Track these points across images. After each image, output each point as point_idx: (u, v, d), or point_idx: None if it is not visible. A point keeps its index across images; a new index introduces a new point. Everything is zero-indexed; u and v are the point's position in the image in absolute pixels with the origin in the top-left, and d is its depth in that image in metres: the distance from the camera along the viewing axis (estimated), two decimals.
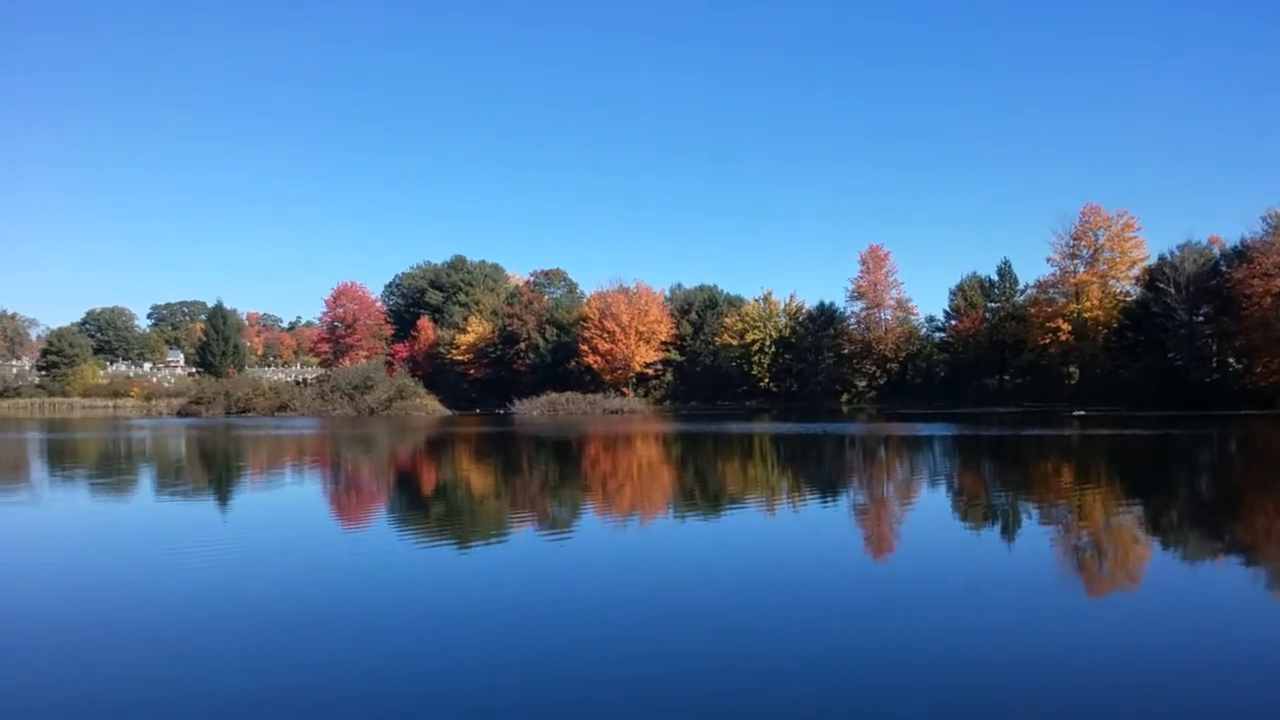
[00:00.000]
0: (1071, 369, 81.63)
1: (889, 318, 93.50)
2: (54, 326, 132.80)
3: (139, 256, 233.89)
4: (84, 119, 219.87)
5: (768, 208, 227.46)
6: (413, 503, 20.07)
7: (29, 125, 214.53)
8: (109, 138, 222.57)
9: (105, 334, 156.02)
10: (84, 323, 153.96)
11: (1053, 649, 7.93)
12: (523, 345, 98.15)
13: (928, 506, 17.99)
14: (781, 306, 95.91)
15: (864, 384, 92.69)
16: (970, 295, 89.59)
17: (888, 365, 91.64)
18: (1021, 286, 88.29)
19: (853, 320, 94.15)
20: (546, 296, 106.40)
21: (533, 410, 75.13)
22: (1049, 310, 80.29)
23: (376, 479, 25.57)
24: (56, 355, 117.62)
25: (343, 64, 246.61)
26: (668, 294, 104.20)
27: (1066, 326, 78.07)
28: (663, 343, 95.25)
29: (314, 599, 10.15)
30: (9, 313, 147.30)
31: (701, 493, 21.03)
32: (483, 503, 19.72)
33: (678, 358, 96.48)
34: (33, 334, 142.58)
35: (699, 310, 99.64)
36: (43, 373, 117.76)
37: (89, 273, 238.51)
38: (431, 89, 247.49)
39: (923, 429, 43.02)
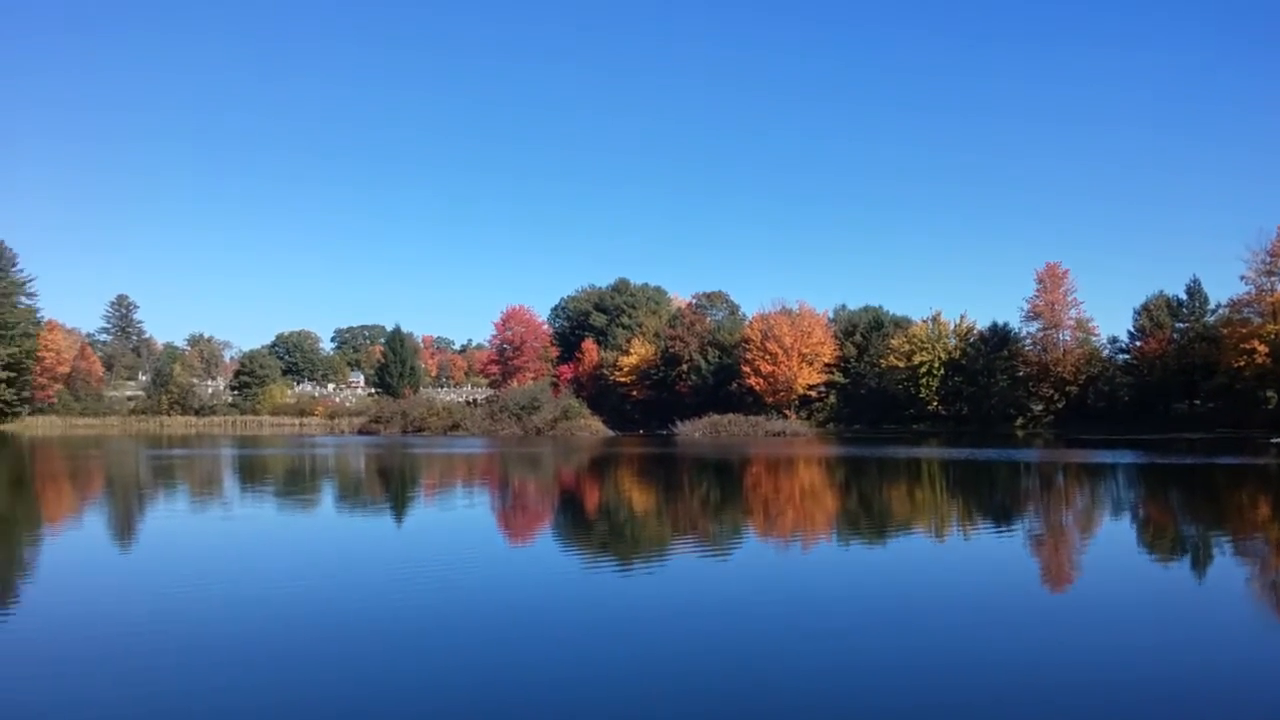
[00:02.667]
0: (1269, 393, 75.92)
1: (1068, 338, 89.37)
2: (246, 349, 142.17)
3: (324, 284, 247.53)
4: (271, 163, 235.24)
5: (935, 227, 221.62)
6: (576, 522, 20.39)
7: (221, 169, 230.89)
8: (298, 176, 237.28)
9: (293, 356, 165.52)
10: (273, 345, 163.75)
11: (1247, 689, 7.36)
12: (685, 367, 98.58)
13: (1109, 538, 17.04)
14: (951, 327, 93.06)
15: (1040, 408, 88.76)
16: (1156, 315, 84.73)
17: (1066, 388, 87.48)
18: (1213, 306, 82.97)
19: (1028, 341, 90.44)
20: (708, 318, 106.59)
21: (695, 432, 75.26)
22: (1243, 331, 75.02)
23: (543, 498, 26.11)
24: (248, 376, 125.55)
25: (510, 91, 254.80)
26: (831, 315, 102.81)
27: (1263, 348, 72.72)
28: (826, 364, 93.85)
29: (481, 612, 10.42)
30: (206, 336, 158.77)
31: (865, 518, 20.57)
32: (645, 523, 19.85)
33: (841, 380, 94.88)
34: (227, 356, 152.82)
35: (864, 331, 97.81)
36: (236, 392, 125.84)
37: (278, 299, 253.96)
38: (598, 115, 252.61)
39: (1105, 456, 40.81)
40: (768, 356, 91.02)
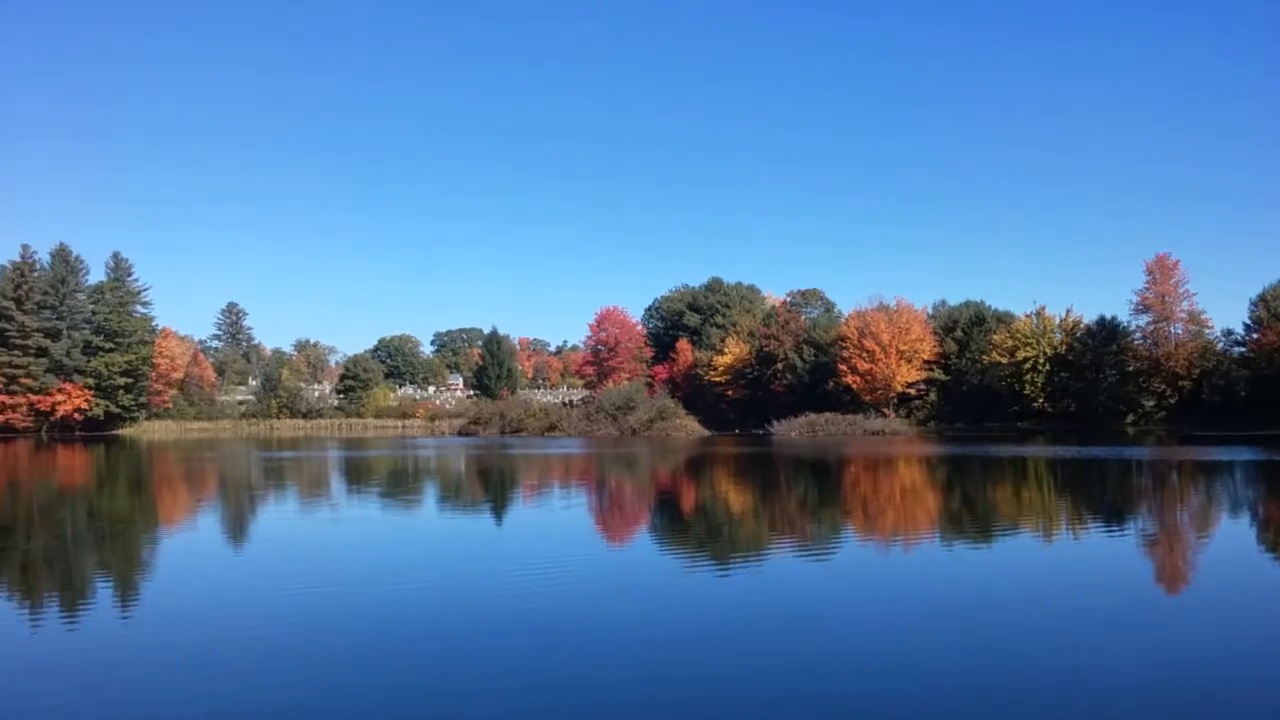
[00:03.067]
0: None
1: (1179, 331, 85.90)
2: (350, 354, 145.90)
3: (424, 289, 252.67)
4: (372, 172, 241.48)
5: (1037, 220, 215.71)
6: (674, 522, 20.37)
7: (325, 180, 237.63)
8: (397, 185, 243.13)
9: (394, 360, 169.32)
10: (376, 350, 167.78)
11: None
12: (780, 366, 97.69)
13: (1227, 538, 16.30)
14: (1056, 321, 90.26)
15: (1152, 404, 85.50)
16: (1274, 305, 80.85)
17: (1179, 383, 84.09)
18: None
19: (1138, 335, 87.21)
20: (803, 316, 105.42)
21: (791, 431, 74.57)
22: None
23: (640, 499, 26.15)
24: (353, 380, 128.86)
25: (605, 94, 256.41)
26: (930, 311, 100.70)
27: None
28: (925, 361, 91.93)
29: (577, 613, 10.46)
30: (312, 342, 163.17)
31: (970, 518, 20.07)
32: (742, 523, 19.72)
33: (942, 377, 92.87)
34: (332, 360, 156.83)
35: (964, 327, 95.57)
36: (341, 395, 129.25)
37: (380, 304, 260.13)
38: (692, 116, 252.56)
39: (1221, 453, 39.10)
40: (865, 354, 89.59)
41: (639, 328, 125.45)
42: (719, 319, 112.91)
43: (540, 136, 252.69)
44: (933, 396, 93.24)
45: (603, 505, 24.42)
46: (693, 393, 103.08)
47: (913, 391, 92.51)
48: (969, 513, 21.22)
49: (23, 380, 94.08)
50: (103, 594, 12.31)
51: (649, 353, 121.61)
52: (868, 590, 11.82)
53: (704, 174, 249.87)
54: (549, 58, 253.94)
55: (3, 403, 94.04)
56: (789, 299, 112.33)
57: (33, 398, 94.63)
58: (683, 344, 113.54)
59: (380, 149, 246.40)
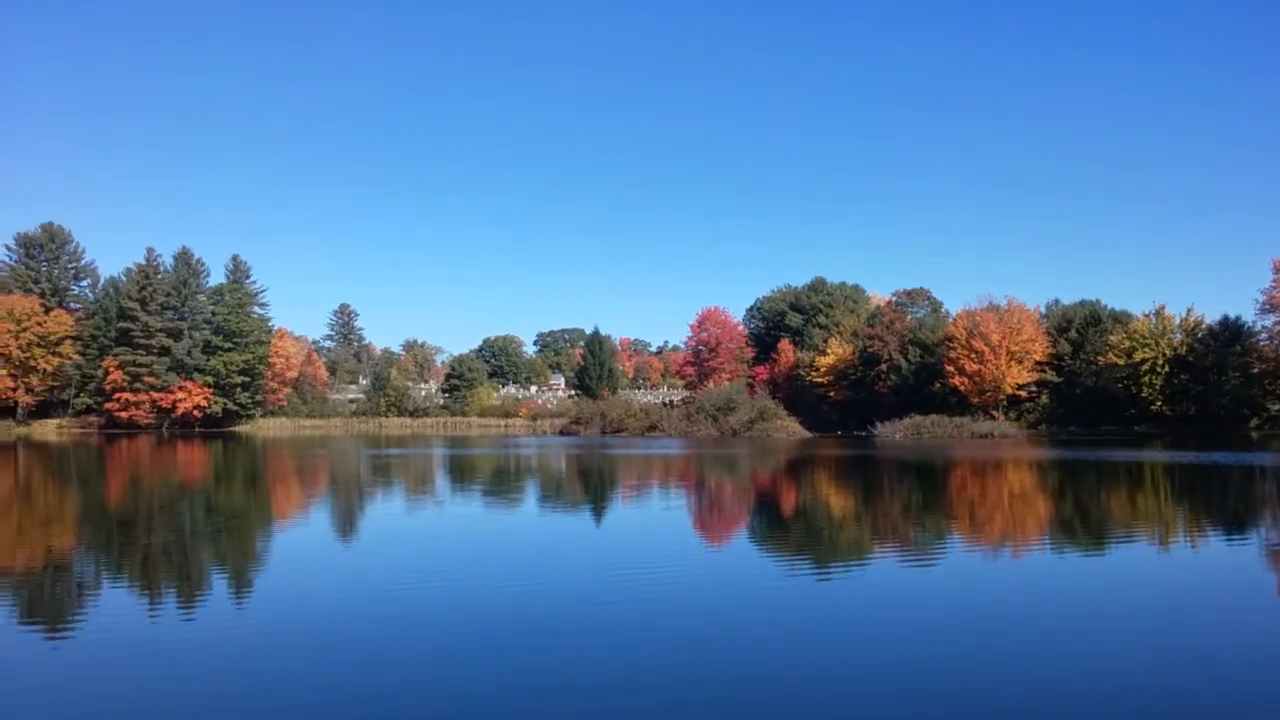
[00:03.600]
0: None
1: None
2: (456, 353, 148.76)
3: (528, 290, 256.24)
4: (476, 178, 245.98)
5: (1158, 216, 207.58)
6: (773, 524, 20.19)
7: (431, 185, 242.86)
8: (502, 189, 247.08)
9: (498, 359, 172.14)
10: (480, 349, 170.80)
11: None
12: (884, 367, 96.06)
13: None
14: (1176, 321, 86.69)
15: (1278, 408, 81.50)
16: None
17: None
18: None
19: (1264, 335, 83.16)
20: (909, 316, 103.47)
21: (895, 433, 73.23)
22: None
23: (740, 500, 26.01)
24: (458, 379, 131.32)
25: (706, 94, 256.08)
26: (1043, 310, 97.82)
27: None
28: (1037, 363, 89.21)
29: (674, 611, 10.43)
30: (419, 342, 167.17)
31: (1082, 525, 19.39)
32: (843, 526, 19.42)
33: (1054, 378, 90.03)
34: (438, 360, 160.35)
35: (1079, 327, 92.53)
36: (446, 394, 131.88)
37: (485, 305, 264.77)
38: (795, 114, 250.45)
39: None
40: (973, 355, 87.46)
41: (740, 328, 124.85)
42: (822, 319, 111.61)
43: (643, 141, 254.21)
44: (1044, 399, 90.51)
45: (702, 506, 24.36)
46: (794, 394, 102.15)
47: (1023, 394, 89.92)
48: (1081, 520, 20.49)
49: (146, 378, 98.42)
50: (218, 586, 12.78)
51: (750, 353, 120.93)
52: (973, 599, 11.50)
53: (808, 173, 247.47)
54: (647, 68, 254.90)
55: (127, 399, 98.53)
56: (894, 298, 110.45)
57: (155, 395, 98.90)
58: (784, 344, 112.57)
59: (485, 156, 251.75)
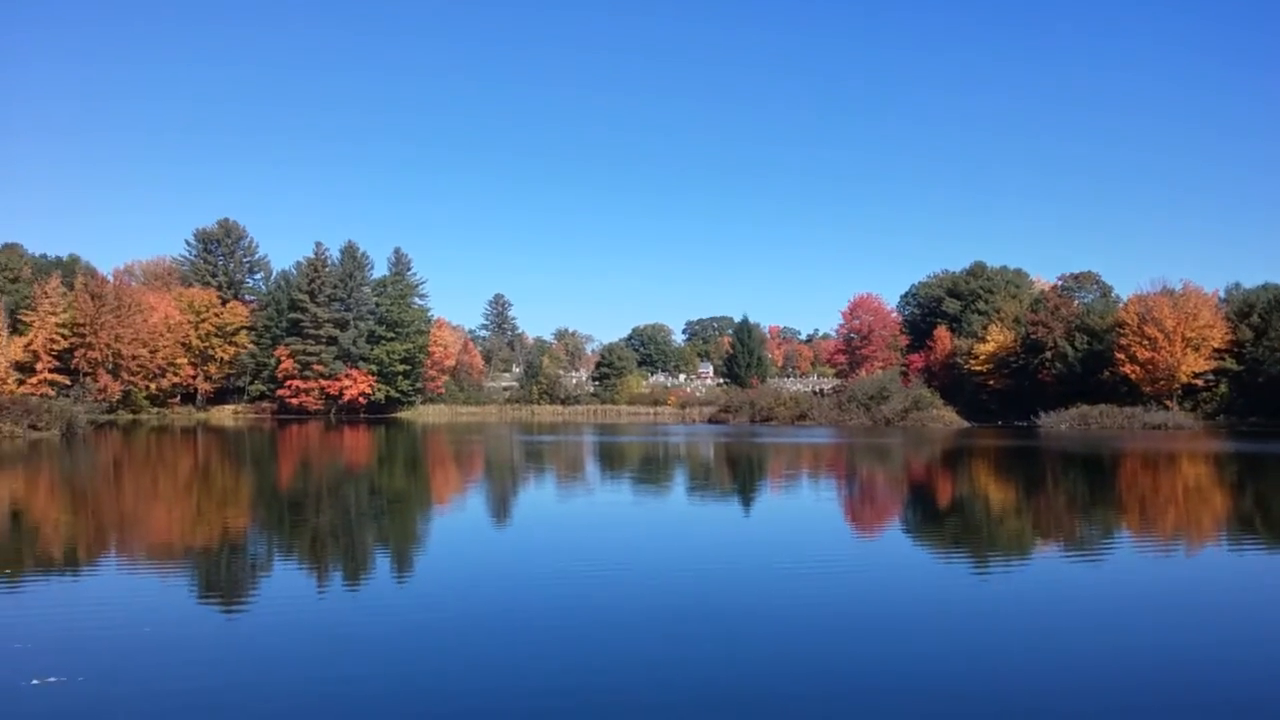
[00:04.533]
0: None
1: None
2: (606, 342, 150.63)
3: (676, 278, 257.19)
4: (623, 170, 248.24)
5: None
6: (927, 517, 19.62)
7: (581, 178, 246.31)
8: (649, 181, 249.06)
9: (647, 348, 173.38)
10: (630, 338, 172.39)
11: None
12: (1048, 354, 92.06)
13: None
14: None
15: None
16: None
17: None
18: None
19: None
20: (1075, 301, 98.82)
21: (1060, 424, 70.15)
22: None
23: (893, 491, 25.39)
24: (608, 367, 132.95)
25: (865, 73, 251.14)
26: (1222, 294, 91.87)
27: None
28: (1215, 350, 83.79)
29: (821, 602, 10.22)
30: (570, 331, 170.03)
31: (1264, 523, 18.07)
32: (1002, 520, 18.68)
33: (1234, 367, 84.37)
34: (589, 349, 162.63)
35: (1262, 312, 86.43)
36: (596, 382, 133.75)
37: (634, 294, 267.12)
38: (953, 93, 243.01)
39: None
40: (1145, 342, 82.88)
41: (894, 315, 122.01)
42: (981, 305, 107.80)
43: (793, 129, 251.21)
44: (1222, 388, 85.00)
45: (853, 496, 23.87)
46: (951, 382, 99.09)
47: (1199, 383, 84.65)
48: (1263, 517, 19.11)
49: (315, 366, 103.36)
50: (380, 565, 13.24)
51: (904, 341, 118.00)
52: (1141, 598, 10.85)
53: (967, 153, 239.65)
54: (803, 57, 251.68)
55: (298, 386, 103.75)
56: (1059, 283, 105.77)
57: (323, 383, 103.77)
58: (941, 331, 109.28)
59: (634, 149, 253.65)
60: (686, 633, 9.04)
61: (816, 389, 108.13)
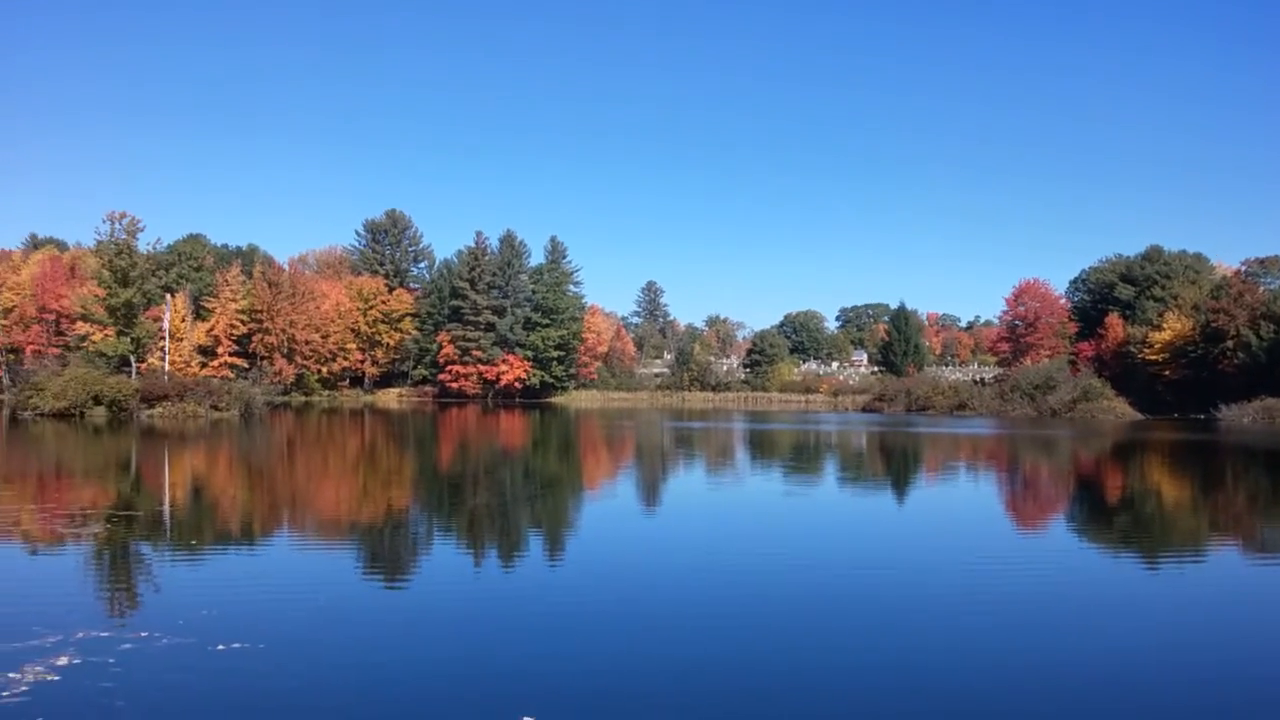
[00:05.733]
0: None
1: None
2: (757, 329, 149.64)
3: (830, 264, 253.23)
4: (773, 160, 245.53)
5: None
6: (1096, 513, 18.76)
7: (726, 167, 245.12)
8: (799, 169, 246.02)
9: (799, 335, 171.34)
10: (781, 325, 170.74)
11: None
12: (1230, 343, 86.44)
13: None
14: None
15: None
16: None
17: None
18: None
19: None
20: (1261, 288, 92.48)
21: (1243, 417, 65.80)
22: None
23: (1059, 485, 24.40)
24: (759, 354, 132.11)
25: (1031, 67, 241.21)
26: None
27: None
28: None
29: (962, 597, 9.92)
30: (722, 318, 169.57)
31: None
32: (1176, 518, 17.69)
33: None
34: (739, 335, 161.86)
35: None
36: (747, 369, 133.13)
37: (787, 281, 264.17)
38: (1128, 75, 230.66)
39: None
40: None
41: (1061, 301, 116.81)
42: (1157, 291, 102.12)
43: (953, 111, 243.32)
44: None
45: (1016, 491, 23.04)
46: (1122, 372, 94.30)
47: None
48: None
49: (474, 352, 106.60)
50: (534, 547, 13.58)
51: (1073, 328, 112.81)
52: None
53: (1139, 131, 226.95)
54: (955, 40, 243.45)
55: (458, 371, 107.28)
56: (1244, 268, 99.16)
57: (482, 368, 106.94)
58: (1112, 319, 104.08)
59: (786, 134, 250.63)
60: (839, 627, 8.95)
61: (977, 378, 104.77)
